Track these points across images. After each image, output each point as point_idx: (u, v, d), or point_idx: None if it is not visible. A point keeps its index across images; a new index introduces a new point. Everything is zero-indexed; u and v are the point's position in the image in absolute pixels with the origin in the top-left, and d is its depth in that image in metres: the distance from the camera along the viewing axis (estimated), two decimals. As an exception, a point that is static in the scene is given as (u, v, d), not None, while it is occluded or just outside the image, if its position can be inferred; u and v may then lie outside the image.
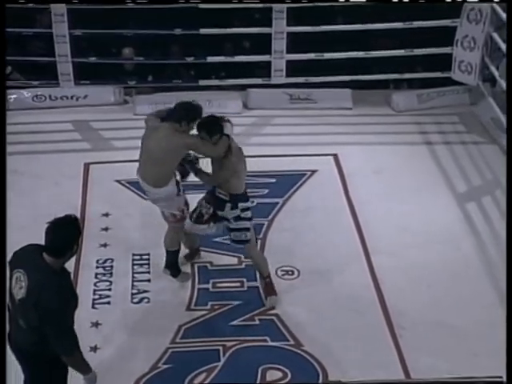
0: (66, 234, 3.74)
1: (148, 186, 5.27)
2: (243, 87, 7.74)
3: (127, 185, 6.49)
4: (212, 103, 7.56)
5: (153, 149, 5.16)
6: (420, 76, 7.73)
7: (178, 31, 7.37)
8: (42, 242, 3.80)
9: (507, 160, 5.53)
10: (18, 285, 3.71)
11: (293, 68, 7.52)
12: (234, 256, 5.77)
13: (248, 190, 6.43)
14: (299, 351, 4.97)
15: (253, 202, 5.43)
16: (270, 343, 5.03)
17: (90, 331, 5.00)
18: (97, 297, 5.35)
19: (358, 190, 6.49)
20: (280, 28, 7.21)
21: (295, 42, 7.49)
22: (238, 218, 5.23)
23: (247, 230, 5.25)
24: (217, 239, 5.91)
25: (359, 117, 7.54)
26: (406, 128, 7.38)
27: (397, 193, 6.46)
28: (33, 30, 7.33)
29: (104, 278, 5.52)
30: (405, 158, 6.94)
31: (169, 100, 7.55)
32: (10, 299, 3.85)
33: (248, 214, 5.26)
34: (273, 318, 5.22)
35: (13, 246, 4.61)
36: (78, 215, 5.87)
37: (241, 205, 5.24)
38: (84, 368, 3.87)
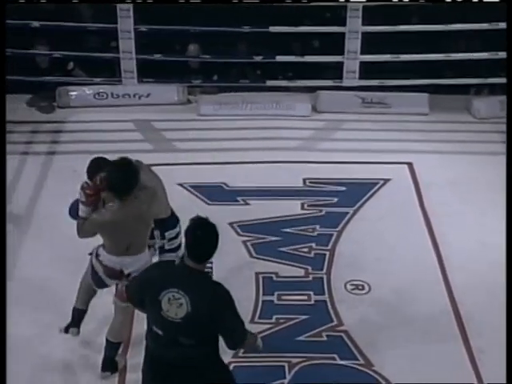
0: (211, 236, 3.75)
1: None
2: (313, 89, 7.71)
3: (190, 189, 6.54)
4: (279, 105, 7.60)
5: None
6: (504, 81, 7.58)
7: (246, 29, 7.39)
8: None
9: (507, 160, 5.44)
10: (174, 305, 3.68)
11: (366, 70, 7.46)
12: (300, 267, 5.75)
13: (315, 199, 6.53)
14: (370, 371, 4.90)
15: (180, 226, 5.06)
16: (339, 361, 4.97)
17: None
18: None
19: (433, 201, 6.38)
20: (354, 27, 7.15)
21: (369, 43, 7.43)
22: (162, 250, 5.05)
23: None
24: (283, 249, 5.91)
25: (436, 123, 7.44)
26: (486, 137, 7.25)
27: (475, 205, 6.34)
28: (96, 25, 7.43)
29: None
30: (484, 168, 6.80)
31: (234, 100, 7.66)
32: (156, 322, 3.78)
33: (174, 243, 5.07)
34: (341, 334, 5.16)
35: (74, 246, 4.74)
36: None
37: (168, 233, 5.08)
38: (253, 341, 3.98)
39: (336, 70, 7.52)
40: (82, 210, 4.55)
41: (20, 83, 7.41)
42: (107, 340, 4.78)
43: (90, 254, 4.74)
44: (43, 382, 4.83)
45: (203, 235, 3.74)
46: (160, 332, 3.77)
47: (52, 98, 7.62)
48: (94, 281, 4.71)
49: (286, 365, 4.93)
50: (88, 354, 4.96)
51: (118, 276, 4.62)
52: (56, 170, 6.73)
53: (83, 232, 4.59)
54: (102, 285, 4.75)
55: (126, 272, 4.59)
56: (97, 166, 4.74)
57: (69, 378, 4.88)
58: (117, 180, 4.38)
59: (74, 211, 4.70)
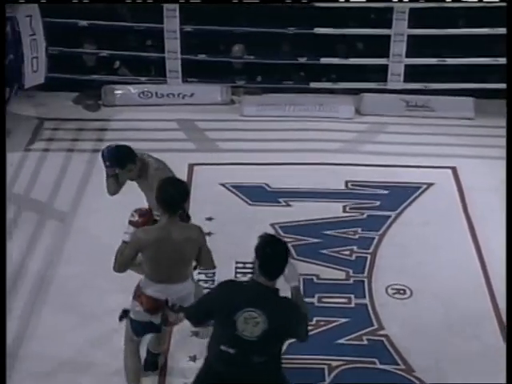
0: (282, 253, 3.76)
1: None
2: (356, 91, 7.68)
3: (232, 189, 6.55)
4: (323, 107, 7.59)
5: None
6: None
7: (291, 30, 7.39)
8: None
9: (507, 160, 5.38)
10: (251, 324, 3.69)
11: (410, 73, 7.41)
12: (341, 270, 5.73)
13: (357, 201, 6.50)
14: (410, 377, 4.85)
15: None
16: (379, 366, 4.93)
17: (191, 340, 5.01)
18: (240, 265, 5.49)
19: (477, 207, 6.32)
20: (400, 30, 7.11)
21: (414, 46, 7.38)
22: None
23: None
24: (324, 251, 5.90)
25: (482, 128, 7.36)
26: (533, 142, 7.15)
27: (520, 212, 6.26)
28: (143, 24, 7.48)
29: (205, 286, 5.56)
30: (530, 174, 6.72)
31: (277, 102, 7.67)
32: (227, 342, 3.75)
33: None
34: (382, 339, 5.12)
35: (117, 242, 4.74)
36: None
37: None
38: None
39: (380, 73, 7.50)
40: (129, 233, 4.42)
41: (67, 81, 7.52)
42: (148, 350, 4.78)
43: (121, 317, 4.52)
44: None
45: (275, 252, 3.74)
46: (231, 351, 3.75)
47: (98, 97, 7.71)
48: (136, 331, 4.48)
49: (325, 367, 4.91)
50: (187, 363, 4.89)
51: (162, 307, 4.37)
52: (100, 168, 6.66)
53: (124, 256, 4.30)
54: (146, 328, 4.48)
55: (170, 302, 4.34)
56: (128, 154, 4.82)
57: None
58: (168, 194, 4.22)
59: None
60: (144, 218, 4.39)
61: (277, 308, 3.74)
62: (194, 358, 4.90)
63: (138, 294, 4.38)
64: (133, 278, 4.51)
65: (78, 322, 5.19)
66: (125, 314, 4.49)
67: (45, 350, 4.96)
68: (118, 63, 7.65)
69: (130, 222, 4.40)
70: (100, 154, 5.00)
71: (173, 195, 4.21)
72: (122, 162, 4.87)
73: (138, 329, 4.46)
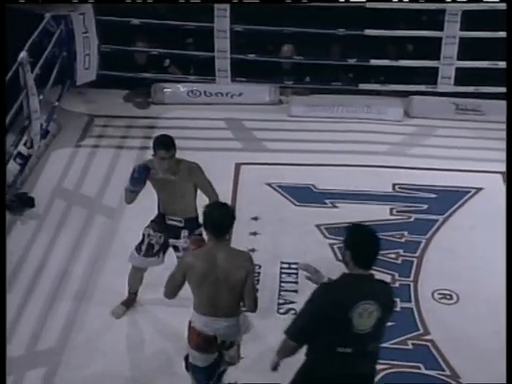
0: (374, 241, 3.73)
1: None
2: (405, 93, 7.62)
3: (278, 189, 6.55)
4: (371, 109, 7.55)
5: None
6: None
7: (341, 31, 7.36)
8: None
9: (507, 161, 5.29)
10: (365, 317, 3.63)
11: (461, 76, 7.32)
12: (387, 273, 5.67)
13: (404, 205, 6.44)
14: None
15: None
16: (424, 371, 4.89)
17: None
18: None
19: (527, 212, 6.22)
20: (452, 32, 7.03)
21: (465, 48, 7.29)
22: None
23: None
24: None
25: (533, 133, 7.23)
26: None
27: None
28: (193, 23, 7.51)
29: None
30: None
31: (325, 102, 7.64)
32: (343, 342, 3.68)
33: None
34: (428, 344, 5.08)
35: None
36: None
37: (196, 231, 4.94)
38: None
39: (430, 75, 7.42)
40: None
41: (117, 79, 7.60)
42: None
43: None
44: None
45: (367, 241, 3.71)
46: (349, 350, 3.70)
47: (147, 95, 7.78)
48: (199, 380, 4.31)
49: (370, 370, 4.89)
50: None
51: (212, 345, 4.20)
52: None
53: (172, 281, 4.16)
54: (210, 372, 4.27)
55: (219, 340, 4.18)
56: (172, 142, 4.81)
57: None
58: (215, 218, 4.08)
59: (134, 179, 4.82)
60: (197, 247, 4.31)
61: (384, 293, 3.74)
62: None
63: (188, 330, 4.21)
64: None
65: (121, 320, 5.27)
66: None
67: (91, 348, 5.01)
68: (167, 61, 7.70)
69: (184, 249, 4.44)
70: (154, 142, 4.89)
71: (221, 219, 4.07)
72: (173, 145, 4.83)
73: (204, 372, 4.25)
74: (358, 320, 3.62)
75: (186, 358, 4.31)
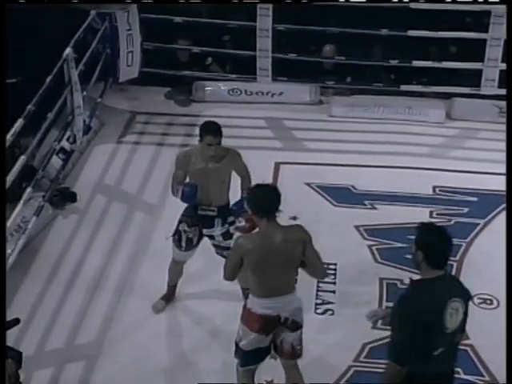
0: (445, 239, 3.73)
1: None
2: (448, 95, 7.55)
3: (317, 189, 6.53)
4: (412, 110, 7.50)
5: None
6: None
7: (384, 31, 7.31)
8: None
9: (507, 160, 5.21)
10: (454, 315, 3.60)
11: (505, 78, 7.21)
12: (426, 276, 5.64)
13: (444, 207, 6.38)
14: (495, 389, 4.78)
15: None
16: (463, 376, 4.81)
17: (268, 363, 4.68)
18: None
19: None
20: (497, 34, 6.94)
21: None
22: (226, 235, 5.01)
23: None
24: (409, 256, 5.74)
25: None
26: None
27: None
28: (235, 22, 7.53)
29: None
30: None
31: (366, 104, 7.60)
32: (438, 345, 3.59)
33: (231, 230, 5.00)
34: (467, 349, 5.00)
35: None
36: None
37: (229, 219, 4.99)
38: None
39: (473, 78, 7.34)
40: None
41: (159, 76, 7.63)
42: None
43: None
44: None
45: (440, 241, 3.69)
46: (441, 349, 3.61)
47: (189, 92, 7.80)
48: (246, 362, 4.32)
49: (407, 374, 4.85)
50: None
51: (276, 324, 4.22)
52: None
53: (230, 263, 4.19)
54: (257, 356, 4.31)
55: (282, 317, 4.21)
56: (220, 128, 4.86)
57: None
58: (262, 199, 4.11)
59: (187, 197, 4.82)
60: (251, 224, 4.30)
61: (459, 286, 3.71)
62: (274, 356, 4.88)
63: (246, 317, 4.24)
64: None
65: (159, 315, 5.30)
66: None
67: (131, 341, 5.06)
68: (210, 59, 7.72)
69: (237, 228, 4.43)
70: (202, 127, 4.90)
71: (268, 198, 4.11)
72: (220, 131, 4.87)
73: (249, 359, 4.29)
74: (449, 320, 3.57)
75: (237, 344, 4.31)
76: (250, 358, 4.31)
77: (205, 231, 5.08)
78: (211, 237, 5.09)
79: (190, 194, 4.86)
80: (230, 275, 4.25)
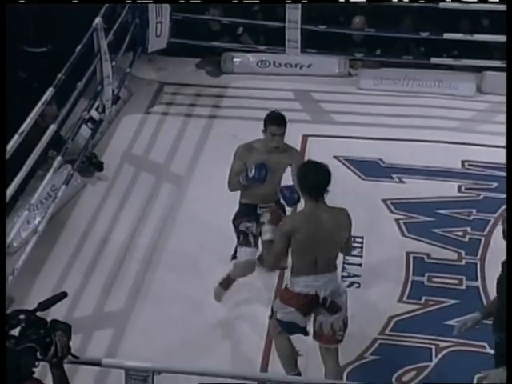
0: None
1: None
2: (478, 69, 7.43)
3: (345, 162, 6.50)
4: (442, 84, 7.41)
5: None
6: None
7: (414, 3, 7.20)
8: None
9: (507, 160, 5.11)
10: None
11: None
12: (454, 251, 5.61)
13: (473, 182, 6.32)
14: (521, 365, 4.73)
15: None
16: (489, 351, 4.76)
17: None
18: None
19: None
20: (530, 6, 6.79)
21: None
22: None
23: None
24: (436, 230, 5.79)
25: None
26: None
27: None
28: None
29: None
30: None
31: (396, 76, 7.51)
32: None
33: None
34: (493, 324, 5.01)
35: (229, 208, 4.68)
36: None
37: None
38: None
39: (504, 51, 7.20)
40: (268, 231, 4.47)
41: (188, 47, 7.59)
42: None
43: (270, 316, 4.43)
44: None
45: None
46: None
47: (217, 64, 7.75)
48: (285, 330, 4.36)
49: (433, 348, 4.86)
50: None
51: (314, 303, 4.22)
52: (216, 134, 6.87)
53: (277, 249, 4.19)
54: (294, 329, 4.32)
55: (321, 296, 4.21)
56: (284, 119, 4.73)
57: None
58: (312, 179, 4.13)
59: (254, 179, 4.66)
60: (276, 213, 4.37)
61: None
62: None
63: (284, 294, 4.27)
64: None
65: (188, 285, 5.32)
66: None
67: (158, 312, 5.09)
68: (241, 29, 7.64)
69: (264, 223, 4.41)
70: (266, 117, 4.77)
71: (317, 179, 4.12)
72: (285, 122, 4.76)
73: (287, 329, 4.34)
74: None
75: (273, 311, 4.37)
76: (283, 327, 4.34)
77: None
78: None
79: (259, 171, 4.69)
80: (276, 261, 4.30)
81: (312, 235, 4.11)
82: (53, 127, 5.58)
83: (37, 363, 3.02)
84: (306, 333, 4.34)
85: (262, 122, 4.78)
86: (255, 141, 4.89)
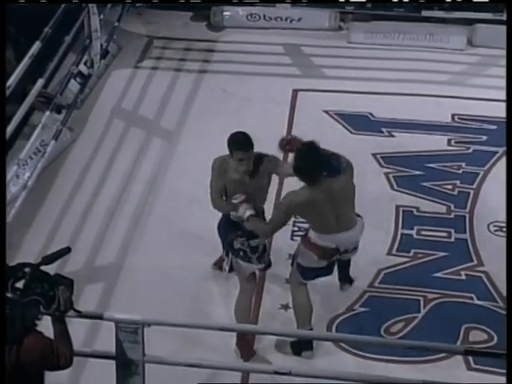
0: None
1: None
2: (470, 22, 7.35)
3: (335, 116, 6.45)
4: (433, 37, 7.33)
5: None
6: None
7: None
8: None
9: (507, 160, 5.06)
10: None
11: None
12: (443, 204, 5.62)
13: (463, 135, 6.30)
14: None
15: None
16: (476, 301, 4.87)
17: (284, 288, 4.89)
18: (296, 229, 5.31)
19: None
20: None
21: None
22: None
23: None
24: (426, 184, 5.78)
25: None
26: None
27: None
28: None
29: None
30: None
31: (386, 30, 7.42)
32: None
33: None
34: (481, 275, 5.04)
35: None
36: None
37: None
38: None
39: (497, 3, 7.12)
40: (248, 209, 4.27)
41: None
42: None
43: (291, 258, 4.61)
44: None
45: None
46: None
47: (207, 17, 7.63)
48: (306, 276, 4.48)
49: (421, 299, 4.88)
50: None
51: (334, 254, 4.40)
52: (206, 88, 6.80)
53: (275, 222, 4.27)
54: (317, 273, 4.47)
55: (341, 249, 4.38)
56: (250, 140, 4.29)
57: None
58: (305, 164, 4.15)
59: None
60: (246, 196, 4.30)
61: None
62: (285, 307, 4.83)
63: (310, 247, 4.36)
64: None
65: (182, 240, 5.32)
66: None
67: (147, 271, 5.07)
68: None
69: (238, 204, 4.31)
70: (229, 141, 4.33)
71: (314, 168, 4.16)
72: (251, 144, 4.30)
73: (309, 274, 4.47)
74: None
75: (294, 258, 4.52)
76: (304, 272, 4.44)
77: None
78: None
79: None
80: (273, 232, 4.41)
81: (322, 204, 4.19)
82: (40, 81, 5.51)
83: (40, 316, 3.08)
84: (328, 272, 4.50)
85: (226, 145, 4.31)
86: (228, 157, 4.39)
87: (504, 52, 7.09)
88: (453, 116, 6.45)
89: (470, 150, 6.11)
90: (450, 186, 5.77)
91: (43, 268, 3.16)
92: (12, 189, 5.38)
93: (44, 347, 3.07)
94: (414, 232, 5.39)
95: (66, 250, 3.33)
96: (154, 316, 3.81)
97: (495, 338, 4.59)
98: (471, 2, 6.93)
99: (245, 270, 4.48)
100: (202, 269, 5.06)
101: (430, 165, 5.97)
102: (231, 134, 4.36)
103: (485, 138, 6.21)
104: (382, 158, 6.04)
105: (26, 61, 5.29)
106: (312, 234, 4.36)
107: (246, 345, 4.52)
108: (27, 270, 3.10)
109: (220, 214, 4.58)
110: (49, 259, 3.23)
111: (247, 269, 4.48)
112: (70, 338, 3.18)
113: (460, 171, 5.90)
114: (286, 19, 7.54)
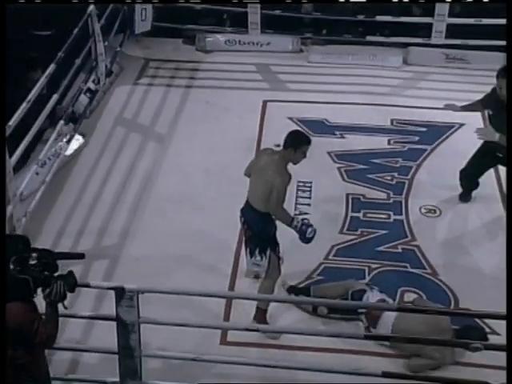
0: None
1: None
2: (405, 45, 7.35)
3: (298, 122, 6.42)
4: (376, 57, 7.32)
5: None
6: None
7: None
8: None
9: (507, 160, 4.93)
10: None
11: (451, 30, 7.03)
12: (383, 192, 5.61)
13: (400, 136, 6.30)
14: (435, 279, 4.79)
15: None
16: (410, 269, 4.87)
17: None
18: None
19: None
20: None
21: (455, 7, 7.00)
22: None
23: None
24: (370, 176, 5.77)
25: (509, 79, 6.95)
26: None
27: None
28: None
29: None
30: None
31: (338, 51, 7.41)
32: None
33: None
34: (414, 249, 5.04)
35: (208, 160, 4.61)
36: (255, 144, 5.97)
37: None
38: None
39: (425, 30, 7.14)
40: None
41: (168, 29, 7.40)
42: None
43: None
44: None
45: None
46: None
47: (193, 43, 7.55)
48: None
49: (366, 269, 4.88)
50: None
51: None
52: (192, 101, 6.75)
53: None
54: None
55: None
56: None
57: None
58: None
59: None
60: None
61: None
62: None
63: None
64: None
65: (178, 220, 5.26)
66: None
67: (144, 251, 4.99)
68: (225, 15, 7.47)
69: None
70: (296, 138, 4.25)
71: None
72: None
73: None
74: None
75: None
76: None
77: None
78: None
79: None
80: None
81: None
82: (55, 97, 5.44)
83: (34, 294, 2.90)
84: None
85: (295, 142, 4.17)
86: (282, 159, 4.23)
87: (432, 69, 7.20)
88: (392, 121, 6.44)
89: (406, 148, 6.11)
90: (389, 177, 5.76)
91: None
92: (32, 184, 5.31)
93: (25, 318, 2.79)
94: (360, 215, 5.38)
95: (78, 256, 3.13)
96: (147, 284, 3.78)
97: (424, 298, 4.61)
98: (472, 2, 6.81)
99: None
100: (196, 246, 4.99)
101: (374, 160, 5.96)
102: (294, 133, 4.27)
103: (417, 138, 6.20)
104: (335, 155, 6.02)
105: (42, 79, 5.21)
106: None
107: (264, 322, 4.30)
108: (34, 254, 2.88)
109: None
110: (62, 255, 3.02)
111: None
112: (56, 322, 2.92)
113: (397, 165, 5.89)
114: (257, 43, 7.48)
